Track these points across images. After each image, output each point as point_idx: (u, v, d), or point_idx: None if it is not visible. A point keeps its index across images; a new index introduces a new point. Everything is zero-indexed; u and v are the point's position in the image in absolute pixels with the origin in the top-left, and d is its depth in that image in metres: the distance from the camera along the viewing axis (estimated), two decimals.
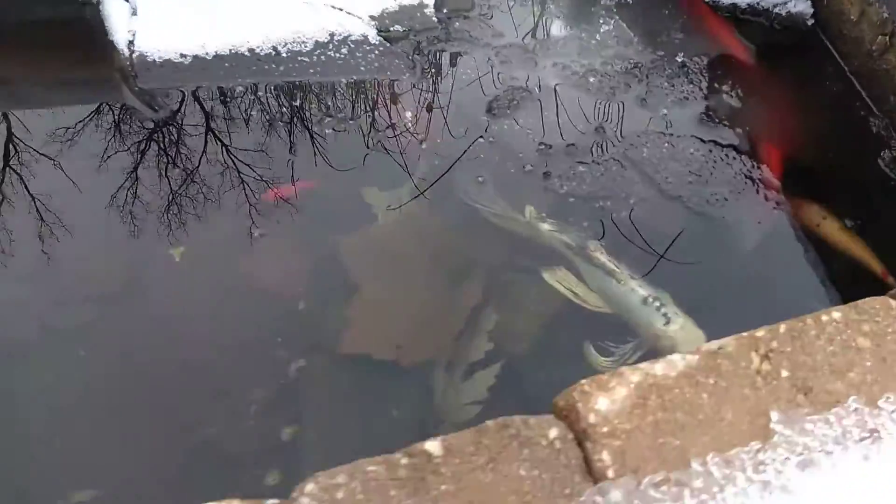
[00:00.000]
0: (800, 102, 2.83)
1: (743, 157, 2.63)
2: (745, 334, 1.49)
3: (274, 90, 2.76)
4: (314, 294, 2.33)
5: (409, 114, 2.74)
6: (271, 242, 2.43)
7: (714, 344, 1.49)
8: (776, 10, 2.98)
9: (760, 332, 1.50)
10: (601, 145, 2.65)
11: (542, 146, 2.63)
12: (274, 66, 2.76)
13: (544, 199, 2.52)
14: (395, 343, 2.24)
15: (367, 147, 2.62)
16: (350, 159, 2.59)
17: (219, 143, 2.64)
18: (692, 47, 2.98)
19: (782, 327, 1.51)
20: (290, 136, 2.67)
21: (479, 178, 2.55)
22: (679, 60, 2.91)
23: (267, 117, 2.70)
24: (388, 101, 2.76)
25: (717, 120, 2.74)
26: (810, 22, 2.99)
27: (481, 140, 2.65)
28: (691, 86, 2.84)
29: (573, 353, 2.18)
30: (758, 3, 2.99)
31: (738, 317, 1.75)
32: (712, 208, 2.50)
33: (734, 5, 3.01)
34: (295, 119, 2.70)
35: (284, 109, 2.71)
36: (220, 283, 2.36)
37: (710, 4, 3.04)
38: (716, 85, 2.85)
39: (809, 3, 2.97)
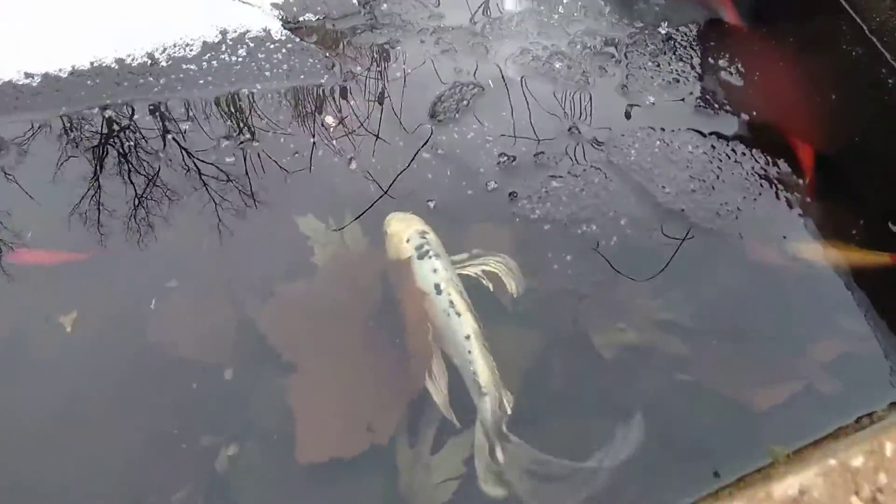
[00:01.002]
0: (813, 74, 2.31)
1: (754, 151, 2.11)
2: (832, 463, 0.99)
3: (154, 110, 2.14)
4: (241, 363, 1.78)
5: (331, 127, 2.15)
6: (180, 304, 1.86)
7: (791, 484, 0.98)
8: None
9: (857, 460, 1.00)
10: (578, 150, 2.11)
11: (504, 158, 2.08)
12: (152, 78, 2.14)
13: (513, 228, 1.98)
14: (363, 426, 1.71)
15: (283, 173, 2.04)
16: (257, 189, 2.00)
17: (88, 183, 2.03)
18: (676, 14, 2.44)
19: (888, 447, 1.01)
20: (182, 166, 2.07)
21: (430, 203, 1.99)
22: (662, 32, 2.36)
23: (148, 147, 2.08)
24: (303, 113, 2.17)
25: (716, 105, 2.21)
26: None
27: (426, 154, 2.09)
28: (681, 63, 2.29)
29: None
30: None
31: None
32: (724, 222, 1.98)
33: None
34: (185, 145, 2.10)
35: (171, 135, 2.10)
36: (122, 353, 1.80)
37: None
38: (710, 60, 2.31)
39: None
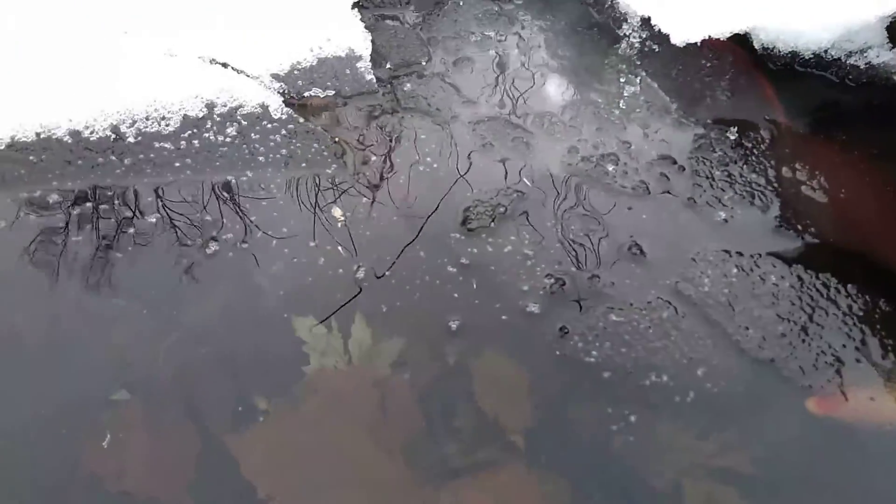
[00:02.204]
0: None
1: (849, 285, 1.75)
2: None
3: (115, 197, 1.70)
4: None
5: (338, 227, 1.73)
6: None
7: None
8: (850, 60, 2.15)
9: None
10: (640, 276, 1.72)
11: (551, 280, 1.68)
12: (114, 157, 1.71)
13: (561, 372, 1.56)
14: None
15: (272, 281, 1.61)
16: (236, 301, 1.57)
17: (21, 290, 1.56)
18: (744, 113, 2.12)
19: None
20: (146, 267, 1.62)
21: (451, 325, 1.57)
22: (732, 137, 2.03)
23: (106, 243, 1.64)
24: (303, 209, 1.76)
25: (800, 227, 1.86)
26: None
27: (451, 269, 1.68)
28: (755, 175, 1.95)
29: None
30: (826, 52, 2.16)
31: None
32: (823, 376, 1.59)
33: (794, 54, 2.17)
34: (157, 242, 1.65)
35: (134, 228, 1.66)
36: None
37: (756, 55, 2.20)
38: (787, 172, 1.98)
39: None
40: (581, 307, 1.64)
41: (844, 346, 1.65)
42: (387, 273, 1.66)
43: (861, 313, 1.71)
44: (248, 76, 1.87)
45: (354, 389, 1.56)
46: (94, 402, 1.44)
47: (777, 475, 1.46)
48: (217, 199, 1.72)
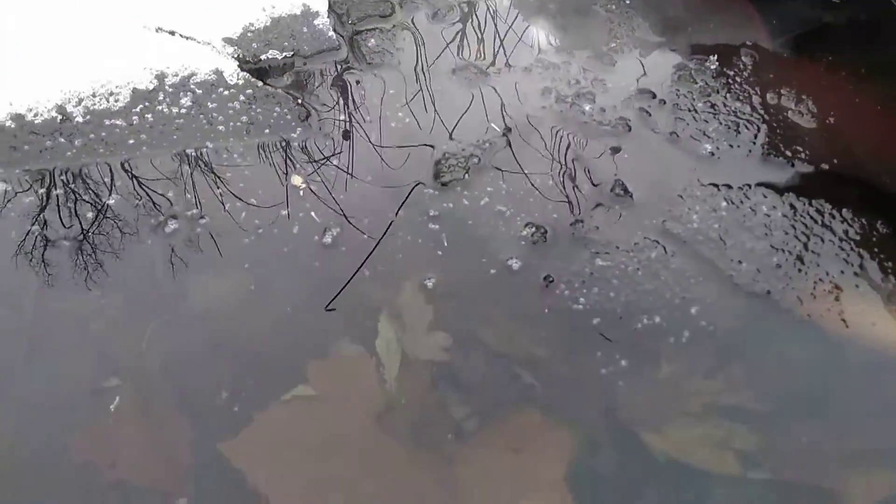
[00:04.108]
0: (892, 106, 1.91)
1: (843, 210, 1.67)
2: None
3: (68, 181, 1.61)
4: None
5: (307, 193, 1.65)
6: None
7: None
8: None
9: None
10: (625, 218, 1.64)
11: (532, 229, 1.61)
12: (63, 139, 1.62)
13: (550, 324, 1.50)
14: None
15: (242, 255, 1.53)
16: (200, 270, 1.49)
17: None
18: (726, 38, 2.02)
19: None
20: (107, 251, 1.54)
21: (427, 282, 1.50)
22: (713, 66, 1.93)
23: (63, 230, 1.55)
24: (270, 176, 1.67)
25: (789, 153, 1.77)
26: None
27: (432, 225, 1.60)
28: (739, 103, 1.86)
29: None
30: None
31: None
32: (822, 306, 1.53)
33: None
34: (114, 226, 1.57)
35: (91, 213, 1.57)
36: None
37: None
38: (773, 98, 1.89)
39: None
40: (565, 254, 1.57)
41: (843, 272, 1.59)
42: (364, 236, 1.59)
43: (858, 237, 1.64)
44: (199, 42, 1.77)
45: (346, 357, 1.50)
46: (81, 391, 1.38)
47: (783, 408, 1.41)
48: (178, 174, 1.64)
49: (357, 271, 1.52)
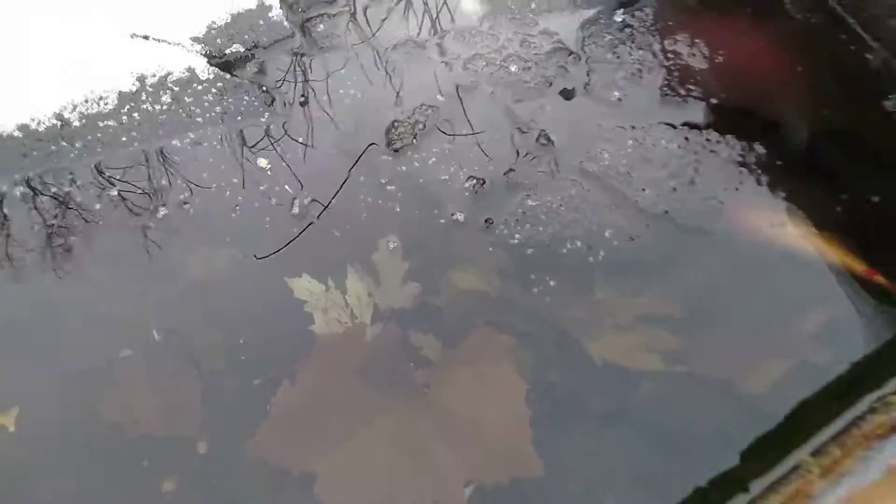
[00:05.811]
0: (774, 46, 2.23)
1: (728, 137, 2.01)
2: None
3: (73, 180, 1.89)
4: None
5: (274, 170, 1.94)
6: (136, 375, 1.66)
7: None
8: None
9: None
10: (550, 162, 1.97)
11: (473, 181, 1.93)
12: (65, 143, 1.89)
13: (495, 258, 1.84)
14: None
15: (230, 227, 1.84)
16: (189, 243, 1.80)
17: (9, 268, 1.78)
18: None
19: None
20: (118, 237, 1.83)
21: (390, 243, 1.83)
22: (618, 20, 2.23)
23: (76, 225, 1.84)
24: (245, 158, 1.96)
25: (683, 93, 2.09)
26: None
27: (389, 187, 1.92)
28: (641, 52, 2.17)
29: None
30: None
31: None
32: (707, 219, 1.89)
33: None
34: (119, 217, 1.86)
35: (99, 205, 1.85)
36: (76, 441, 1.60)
37: None
38: (670, 45, 2.19)
39: None
40: (501, 199, 1.90)
41: (725, 189, 1.95)
42: (333, 204, 1.89)
43: (739, 159, 1.99)
44: (170, 44, 2.01)
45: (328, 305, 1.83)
46: (102, 362, 1.69)
47: (697, 312, 1.78)
48: (170, 163, 1.92)
49: (307, 227, 1.83)
